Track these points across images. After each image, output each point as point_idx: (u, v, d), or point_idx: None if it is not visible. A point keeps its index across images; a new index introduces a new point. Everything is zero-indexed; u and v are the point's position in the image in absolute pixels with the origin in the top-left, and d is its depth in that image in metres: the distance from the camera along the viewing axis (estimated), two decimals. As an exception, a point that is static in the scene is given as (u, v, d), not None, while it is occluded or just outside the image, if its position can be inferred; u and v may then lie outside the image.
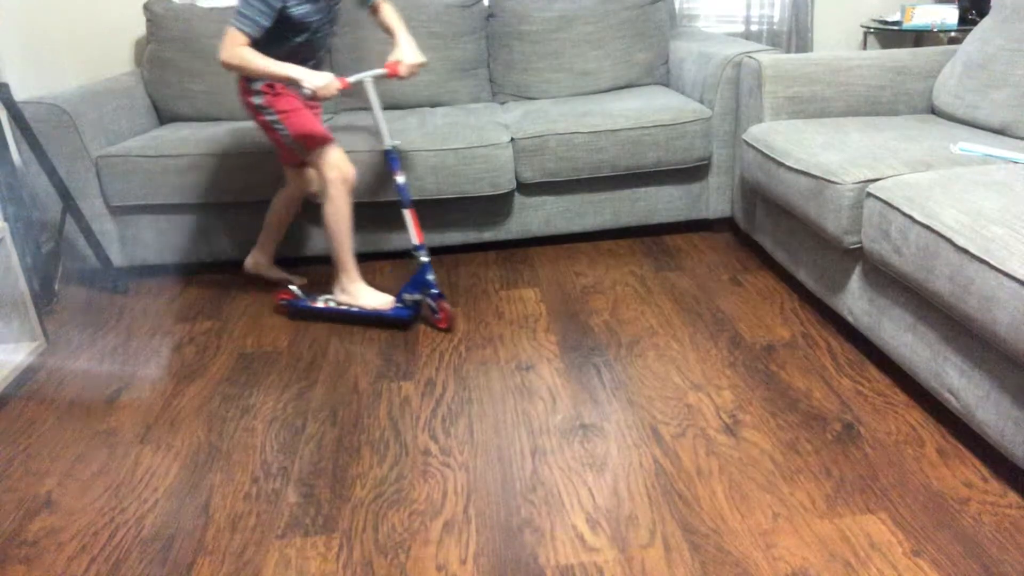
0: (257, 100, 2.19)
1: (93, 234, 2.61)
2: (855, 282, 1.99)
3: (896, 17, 3.48)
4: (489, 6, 3.18)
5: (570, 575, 1.38)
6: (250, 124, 2.90)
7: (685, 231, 2.97)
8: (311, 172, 2.42)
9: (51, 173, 2.50)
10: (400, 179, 2.22)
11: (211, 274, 2.81)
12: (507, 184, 2.68)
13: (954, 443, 1.66)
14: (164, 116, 3.09)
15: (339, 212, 2.23)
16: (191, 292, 2.68)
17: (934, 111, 2.47)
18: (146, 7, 3.05)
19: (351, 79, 2.11)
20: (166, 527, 1.56)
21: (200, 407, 1.98)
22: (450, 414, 1.89)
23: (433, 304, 2.26)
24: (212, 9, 3.06)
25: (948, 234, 1.54)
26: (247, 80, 2.17)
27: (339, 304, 2.34)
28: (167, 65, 3.02)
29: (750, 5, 3.59)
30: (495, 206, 2.76)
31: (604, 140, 2.65)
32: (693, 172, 2.82)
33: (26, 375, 2.17)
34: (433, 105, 3.13)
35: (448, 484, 1.64)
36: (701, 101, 2.81)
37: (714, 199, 2.86)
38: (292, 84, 2.03)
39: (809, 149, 2.10)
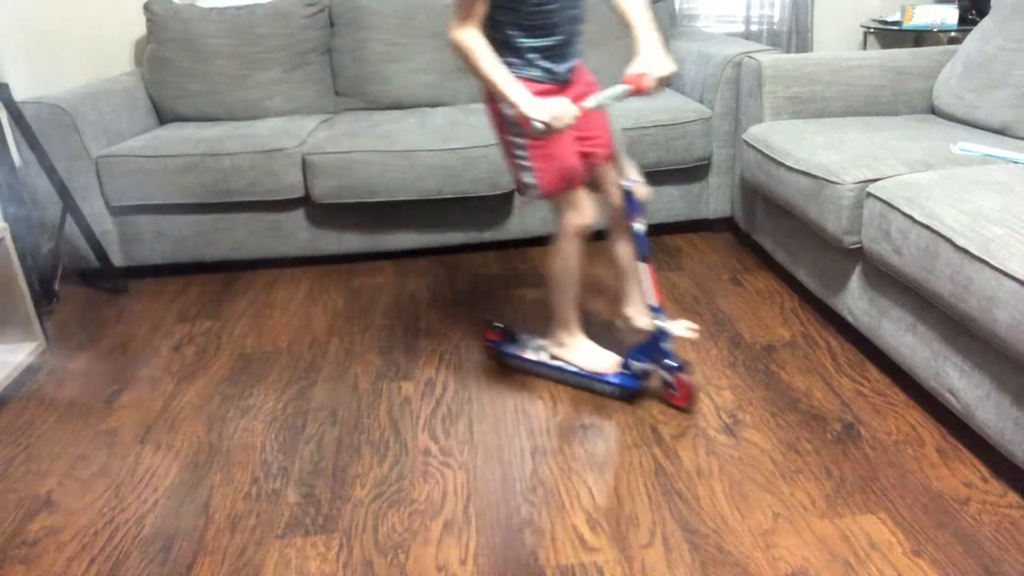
0: (508, 111, 1.69)
1: (93, 234, 2.61)
2: (855, 282, 1.99)
3: (896, 17, 3.48)
4: (489, 6, 3.18)
5: (570, 575, 1.38)
6: (249, 124, 2.90)
7: (685, 231, 2.96)
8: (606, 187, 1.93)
9: (51, 173, 2.50)
10: (639, 226, 1.78)
11: (211, 274, 2.81)
12: (507, 184, 2.68)
13: (954, 443, 1.66)
14: (164, 116, 3.09)
15: (568, 262, 1.87)
16: (191, 292, 2.68)
17: (934, 111, 2.47)
18: (146, 7, 3.05)
19: (590, 103, 1.66)
20: (166, 527, 1.56)
21: (200, 407, 1.98)
22: (450, 414, 1.89)
23: (668, 377, 1.84)
24: (212, 9, 3.06)
25: (948, 234, 1.54)
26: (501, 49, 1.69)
27: (553, 359, 1.98)
28: (167, 65, 3.02)
29: (750, 5, 3.59)
30: (495, 206, 2.76)
31: (604, 140, 2.65)
32: (693, 172, 2.81)
33: (26, 375, 2.17)
34: (433, 105, 3.13)
35: (448, 484, 1.64)
36: (701, 101, 2.81)
37: (714, 199, 2.86)
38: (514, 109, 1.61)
39: (809, 149, 2.10)
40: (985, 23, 2.37)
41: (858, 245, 1.92)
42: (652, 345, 1.83)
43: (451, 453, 1.74)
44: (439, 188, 2.64)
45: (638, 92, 1.68)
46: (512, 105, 1.61)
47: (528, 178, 1.79)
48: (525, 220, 2.79)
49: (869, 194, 1.84)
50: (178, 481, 1.70)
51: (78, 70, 3.16)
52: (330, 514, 1.57)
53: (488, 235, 2.80)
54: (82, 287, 2.76)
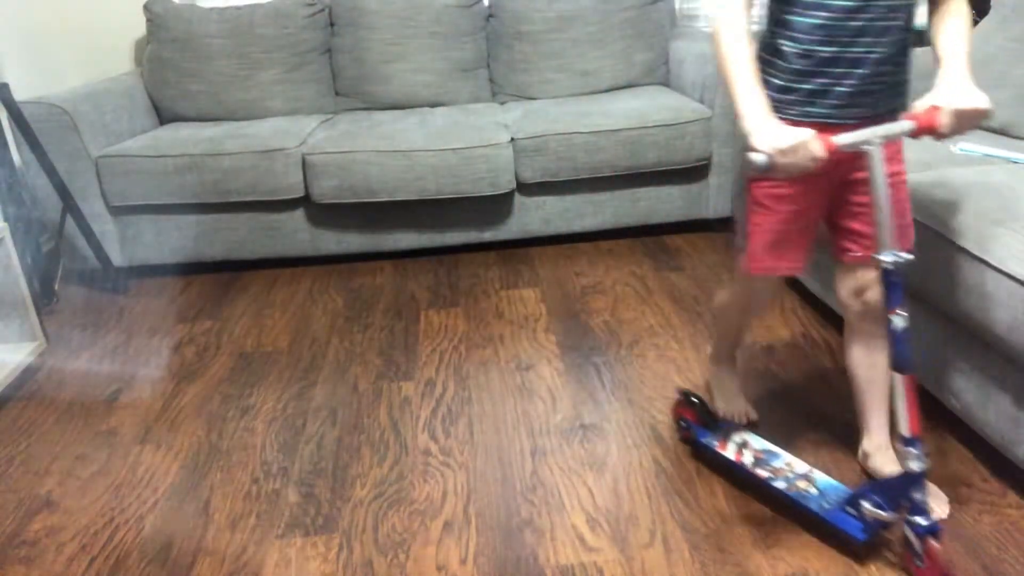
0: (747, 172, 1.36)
1: (93, 234, 2.61)
2: (855, 282, 1.99)
3: (896, 17, 3.47)
4: (489, 6, 3.18)
5: (570, 575, 1.38)
6: (249, 124, 2.90)
7: (685, 231, 2.96)
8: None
9: (51, 173, 2.50)
10: (900, 321, 1.27)
11: (211, 274, 2.81)
12: (507, 184, 2.68)
13: (954, 443, 1.66)
14: (164, 116, 3.09)
15: (726, 317, 1.69)
16: (191, 292, 2.68)
17: (934, 111, 2.47)
18: (146, 7, 3.05)
19: (844, 140, 1.21)
20: (166, 527, 1.56)
21: (200, 407, 1.98)
22: (450, 414, 1.89)
23: (915, 541, 1.30)
24: (212, 9, 3.06)
25: (948, 234, 1.54)
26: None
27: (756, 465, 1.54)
28: (167, 65, 3.02)
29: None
30: (495, 206, 2.76)
31: (604, 140, 2.65)
32: (693, 172, 2.81)
33: (26, 375, 2.17)
34: (433, 105, 3.13)
35: (448, 484, 1.64)
36: (701, 101, 2.81)
37: (714, 199, 2.86)
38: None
39: (809, 149, 2.10)
40: (985, 23, 2.36)
41: (858, 245, 1.91)
42: (898, 488, 1.33)
43: (451, 453, 1.74)
44: (439, 188, 2.64)
45: (928, 131, 1.22)
46: (740, 120, 1.23)
47: (740, 242, 1.46)
48: (525, 220, 2.79)
49: (869, 194, 1.83)
50: (178, 481, 1.70)
51: (78, 70, 3.16)
52: (330, 514, 1.57)
53: (488, 235, 2.80)
54: (82, 287, 2.76)
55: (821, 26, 1.26)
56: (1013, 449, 1.46)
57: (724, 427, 1.65)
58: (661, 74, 3.18)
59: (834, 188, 1.38)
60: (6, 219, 2.36)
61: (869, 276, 1.38)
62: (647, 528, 1.48)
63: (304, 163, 2.62)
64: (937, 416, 1.75)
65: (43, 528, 1.57)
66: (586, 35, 3.09)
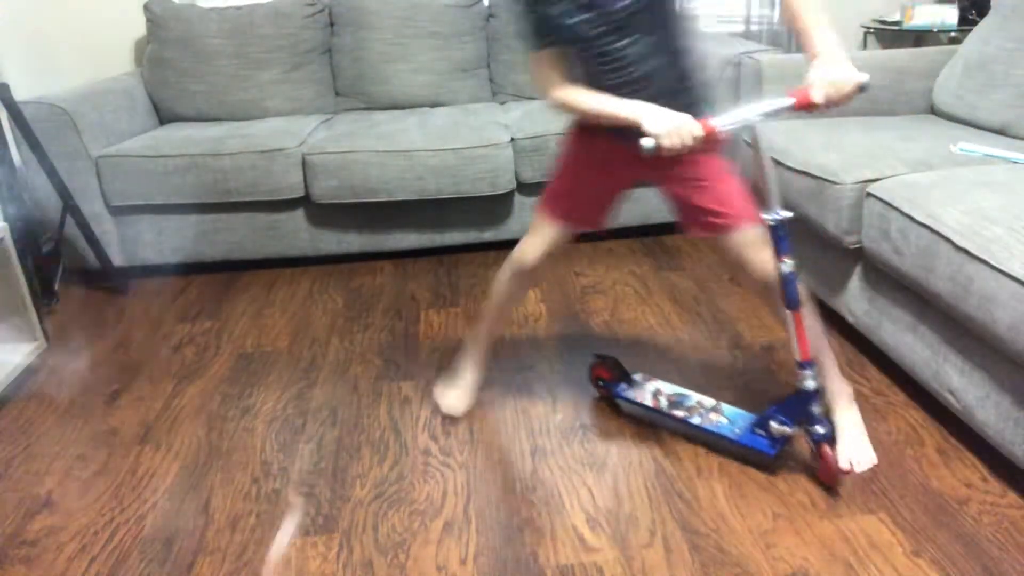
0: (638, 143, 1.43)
1: (93, 234, 2.61)
2: (855, 282, 1.99)
3: (896, 17, 3.48)
4: (489, 6, 3.18)
5: (570, 575, 1.38)
6: (249, 124, 2.90)
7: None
8: (749, 256, 1.56)
9: (51, 173, 2.50)
10: (787, 267, 1.47)
11: (211, 274, 2.81)
12: (507, 184, 2.67)
13: (954, 443, 1.66)
14: (164, 116, 3.09)
15: (498, 289, 1.78)
16: (191, 292, 2.68)
17: (934, 111, 2.47)
18: (146, 7, 3.05)
19: (721, 121, 1.37)
20: (166, 527, 1.56)
21: (200, 407, 1.98)
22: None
23: (813, 447, 1.55)
24: (212, 9, 3.06)
25: (948, 234, 1.54)
26: None
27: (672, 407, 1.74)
28: (167, 65, 3.02)
29: (750, 5, 3.58)
30: (495, 206, 2.76)
31: (604, 140, 2.65)
32: (693, 172, 2.81)
33: (26, 375, 2.17)
34: (433, 105, 3.13)
35: (448, 484, 1.64)
36: (701, 101, 2.81)
37: (714, 199, 2.86)
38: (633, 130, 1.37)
39: (809, 149, 2.10)
40: (985, 23, 2.36)
41: (858, 245, 1.92)
42: (797, 406, 1.53)
43: (451, 453, 1.74)
44: (439, 188, 2.64)
45: (806, 107, 1.35)
46: (633, 125, 1.36)
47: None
48: (525, 220, 2.79)
49: (869, 194, 1.84)
50: (178, 481, 1.70)
51: (78, 70, 3.16)
52: (330, 514, 1.57)
53: (488, 235, 2.80)
54: (82, 287, 2.76)
55: (609, 61, 1.44)
56: (1013, 449, 1.46)
57: (637, 380, 1.82)
58: (661, 74, 3.17)
59: (630, 182, 1.65)
60: (6, 219, 2.36)
61: (743, 247, 1.54)
62: (647, 528, 1.48)
63: (304, 163, 2.62)
64: (937, 416, 1.75)
65: (43, 528, 1.57)
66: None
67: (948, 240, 1.54)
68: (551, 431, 1.80)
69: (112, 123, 2.77)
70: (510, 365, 2.08)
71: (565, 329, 2.26)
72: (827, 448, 1.52)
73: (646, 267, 2.65)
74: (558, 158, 1.65)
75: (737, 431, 1.64)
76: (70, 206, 2.54)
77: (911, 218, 1.66)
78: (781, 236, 1.47)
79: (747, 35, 3.62)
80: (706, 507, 1.52)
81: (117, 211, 2.70)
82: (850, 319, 2.03)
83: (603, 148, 1.55)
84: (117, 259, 2.74)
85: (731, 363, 2.03)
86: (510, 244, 2.88)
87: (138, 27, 3.18)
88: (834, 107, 1.34)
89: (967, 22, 3.26)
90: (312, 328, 2.37)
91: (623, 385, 1.82)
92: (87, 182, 2.63)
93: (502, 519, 1.53)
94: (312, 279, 2.73)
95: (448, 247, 2.85)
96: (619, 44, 1.41)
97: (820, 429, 1.51)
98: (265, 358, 2.20)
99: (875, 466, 1.60)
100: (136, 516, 1.59)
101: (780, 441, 1.57)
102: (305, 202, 2.71)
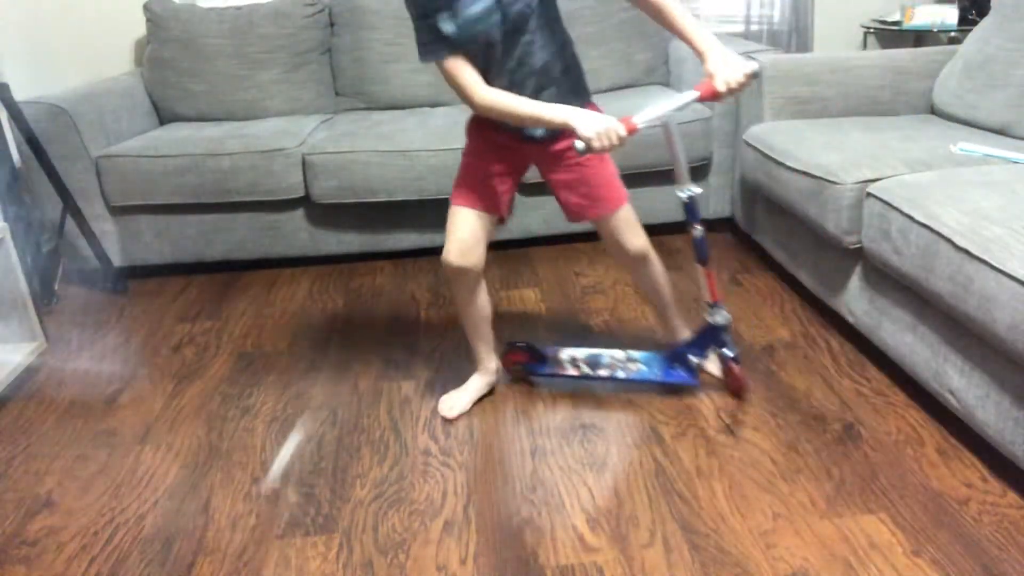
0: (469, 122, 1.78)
1: (93, 234, 2.61)
2: (855, 282, 1.99)
3: (896, 17, 3.48)
4: (489, 6, 3.18)
5: (570, 575, 1.38)
6: (249, 124, 2.90)
7: (685, 231, 2.95)
8: (625, 241, 1.80)
9: (51, 173, 2.50)
10: (698, 232, 1.75)
11: (211, 274, 2.81)
12: (507, 184, 2.67)
13: (954, 443, 1.66)
14: (164, 116, 3.09)
15: (458, 301, 1.84)
16: (191, 292, 2.68)
17: (934, 111, 2.47)
18: (146, 7, 3.05)
19: (641, 119, 1.52)
20: (166, 527, 1.56)
21: (200, 407, 1.98)
22: (450, 414, 1.89)
23: (724, 367, 1.88)
24: (212, 9, 3.06)
25: (948, 234, 1.54)
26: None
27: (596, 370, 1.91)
28: (167, 65, 3.02)
29: (750, 5, 3.58)
30: (495, 206, 2.76)
31: (604, 140, 2.64)
32: (693, 172, 2.79)
33: (26, 375, 2.17)
34: (433, 105, 3.12)
35: (448, 484, 1.64)
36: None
37: (714, 199, 2.86)
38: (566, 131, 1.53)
39: (809, 149, 2.10)
40: (985, 23, 2.36)
41: (858, 245, 1.92)
42: (709, 337, 1.83)
43: (451, 453, 1.74)
44: (439, 188, 2.64)
45: (710, 97, 1.51)
46: (564, 128, 1.50)
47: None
48: (525, 220, 2.79)
49: (869, 194, 1.84)
50: (178, 481, 1.70)
51: (78, 70, 3.16)
52: (330, 514, 1.57)
53: (488, 235, 2.80)
54: (82, 287, 2.76)
55: (493, 64, 1.58)
56: (1013, 449, 1.46)
57: (551, 356, 1.94)
58: (661, 74, 3.18)
59: (524, 168, 1.81)
60: (6, 219, 2.36)
61: (614, 229, 1.77)
62: (647, 528, 1.48)
63: (304, 163, 2.62)
64: (937, 416, 1.75)
65: (43, 528, 1.57)
66: (586, 35, 3.09)
67: (948, 240, 1.54)
68: (551, 431, 1.80)
69: (112, 123, 2.77)
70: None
71: (565, 329, 2.26)
72: (734, 366, 1.82)
73: (646, 267, 2.65)
74: (463, 153, 1.78)
75: (658, 372, 1.88)
76: (70, 206, 2.54)
77: (911, 218, 1.66)
78: (692, 208, 1.74)
79: (747, 35, 3.62)
80: (706, 507, 1.52)
81: (117, 211, 2.70)
82: (850, 319, 2.03)
83: (500, 138, 1.71)
84: (117, 259, 2.74)
85: (731, 363, 2.03)
86: (510, 244, 2.90)
87: (138, 27, 3.18)
88: (735, 94, 1.52)
89: (967, 22, 3.26)
90: (312, 328, 2.37)
91: (540, 365, 1.95)
92: (87, 182, 2.63)
93: (502, 519, 1.53)
94: (312, 279, 2.73)
95: (448, 247, 2.85)
96: (522, 41, 1.55)
97: (730, 352, 1.82)
98: (265, 358, 2.20)
99: (876, 466, 1.60)
100: (136, 516, 1.59)
101: (692, 368, 1.87)
102: (305, 202, 2.71)
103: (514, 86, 1.57)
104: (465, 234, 1.73)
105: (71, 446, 1.85)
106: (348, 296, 2.58)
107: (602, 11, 3.10)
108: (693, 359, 1.86)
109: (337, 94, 3.16)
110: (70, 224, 2.61)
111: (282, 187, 2.64)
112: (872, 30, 3.61)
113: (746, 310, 2.31)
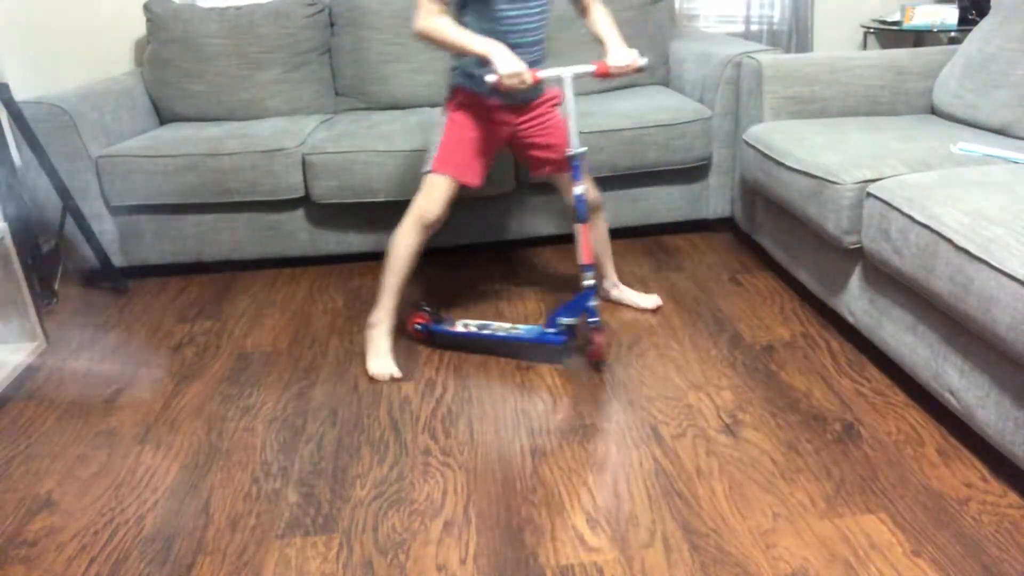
0: (448, 96, 2.03)
1: (93, 234, 2.61)
2: (855, 282, 1.99)
3: (896, 17, 3.48)
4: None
5: (570, 575, 1.38)
6: (249, 124, 2.90)
7: (685, 231, 2.97)
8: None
9: (51, 173, 2.50)
10: (579, 190, 1.95)
11: (211, 274, 2.81)
12: (507, 184, 2.67)
13: (954, 443, 1.66)
14: (164, 116, 3.09)
15: (403, 248, 2.03)
16: (191, 292, 2.68)
17: (934, 111, 2.47)
18: (146, 7, 3.05)
19: (545, 73, 1.89)
20: (166, 527, 1.56)
21: (200, 407, 1.98)
22: (450, 414, 1.89)
23: (588, 334, 2.00)
24: (212, 9, 3.06)
25: (948, 234, 1.54)
26: (452, 70, 2.00)
27: (482, 328, 2.15)
28: (167, 65, 3.02)
29: (750, 5, 3.59)
30: (495, 206, 2.76)
31: (604, 140, 2.65)
32: (693, 172, 2.81)
33: (26, 375, 2.17)
34: (433, 105, 3.12)
35: (448, 484, 1.64)
36: (701, 101, 2.81)
37: (714, 199, 2.86)
38: (484, 64, 1.82)
39: (809, 149, 2.10)
40: (985, 23, 2.37)
41: (858, 245, 1.92)
42: (579, 303, 1.98)
43: (451, 453, 1.74)
44: (439, 188, 2.64)
45: (604, 74, 1.92)
46: (482, 57, 1.80)
47: (432, 151, 2.01)
48: (525, 220, 2.79)
49: (869, 194, 1.84)
50: (178, 481, 1.70)
51: (78, 70, 3.16)
52: (330, 514, 1.57)
53: (488, 235, 2.80)
54: (82, 287, 2.76)
55: (504, 22, 1.88)
56: (1013, 449, 1.46)
57: (449, 319, 2.22)
58: (661, 74, 3.18)
59: (508, 139, 2.08)
60: (6, 219, 2.36)
61: (565, 179, 2.07)
62: (647, 528, 1.48)
63: (304, 163, 2.62)
64: (937, 416, 1.75)
65: (43, 528, 1.57)
66: (586, 35, 3.08)
67: (948, 240, 1.54)
68: (551, 431, 1.80)
69: (112, 123, 2.77)
70: (510, 365, 2.08)
71: (565, 329, 2.26)
72: (597, 333, 1.98)
73: (646, 267, 2.65)
74: (447, 123, 2.00)
75: (533, 335, 2.09)
76: (70, 206, 2.54)
77: (911, 218, 1.66)
78: (576, 166, 1.95)
79: (747, 35, 3.62)
80: (706, 507, 1.52)
81: (117, 211, 2.70)
82: (850, 319, 2.03)
83: (485, 106, 1.98)
84: (117, 259, 2.74)
85: (731, 363, 2.03)
86: (510, 244, 2.91)
87: (138, 27, 3.18)
88: (623, 75, 1.95)
89: (967, 22, 3.26)
90: (312, 328, 2.37)
91: (437, 326, 2.18)
92: (87, 182, 2.63)
93: (502, 519, 1.53)
94: (312, 279, 2.73)
95: (448, 247, 2.85)
96: (513, 16, 1.87)
97: (594, 318, 1.97)
98: (265, 358, 2.20)
99: (876, 466, 1.60)
100: (136, 516, 1.59)
101: (568, 333, 2.04)
102: (305, 202, 2.71)
103: (515, 49, 1.84)
104: (446, 200, 2.00)
105: (71, 446, 1.85)
106: (348, 296, 2.58)
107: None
108: (564, 321, 2.03)
109: (337, 94, 3.16)
110: (70, 224, 2.61)
111: (282, 187, 2.64)
112: (872, 30, 3.61)
113: (746, 310, 2.31)
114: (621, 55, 1.94)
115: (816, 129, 2.26)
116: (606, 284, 2.37)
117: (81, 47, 3.19)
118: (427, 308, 2.20)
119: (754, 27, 3.62)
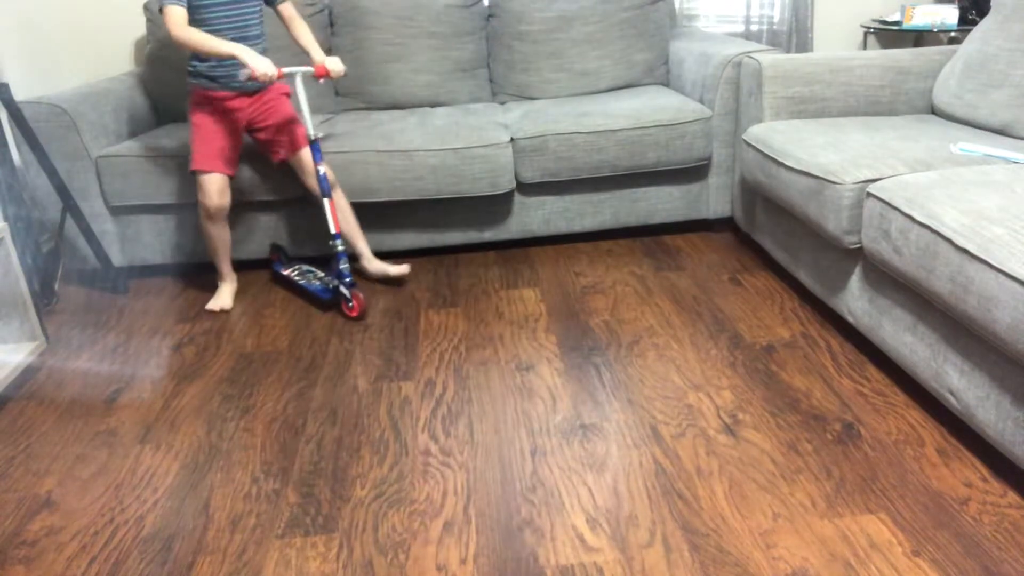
0: (190, 94, 2.38)
1: (93, 234, 2.61)
2: (855, 282, 1.99)
3: (896, 17, 3.48)
4: (489, 6, 3.18)
5: (570, 575, 1.38)
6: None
7: (685, 231, 2.97)
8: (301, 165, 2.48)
9: (51, 173, 2.50)
10: (322, 170, 2.34)
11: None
12: (507, 184, 2.68)
13: (954, 443, 1.66)
14: (164, 116, 3.09)
15: (210, 236, 2.44)
16: (191, 292, 2.68)
17: (934, 111, 2.48)
18: (146, 7, 3.05)
19: (285, 70, 2.26)
20: (166, 527, 1.56)
21: (200, 407, 1.98)
22: (450, 414, 1.89)
23: (347, 293, 2.36)
24: (212, 9, 3.06)
25: (948, 234, 1.54)
26: (189, 75, 2.34)
27: (299, 277, 2.59)
28: (167, 65, 3.02)
29: (750, 5, 3.59)
30: (495, 206, 2.76)
31: (604, 140, 2.65)
32: (693, 172, 2.81)
33: (26, 375, 2.17)
34: (433, 105, 3.13)
35: (448, 484, 1.64)
36: (701, 101, 2.82)
37: (714, 199, 2.86)
38: (237, 64, 2.21)
39: (809, 149, 2.10)
40: (985, 23, 2.37)
41: (858, 245, 1.92)
42: (334, 264, 2.36)
43: (451, 453, 1.74)
44: (439, 188, 2.64)
45: (324, 75, 2.31)
46: (235, 58, 2.16)
47: (190, 166, 2.35)
48: (525, 220, 2.80)
49: (869, 194, 1.84)
50: (178, 481, 1.70)
51: (78, 70, 3.16)
52: (330, 514, 1.57)
53: (488, 235, 2.80)
54: (82, 287, 2.76)
55: (209, 19, 2.26)
56: (1013, 449, 1.47)
57: (294, 264, 2.66)
58: (661, 74, 3.18)
59: (245, 126, 2.42)
60: (6, 219, 2.36)
61: (304, 162, 2.43)
62: (647, 528, 1.48)
63: (304, 163, 2.62)
64: (937, 416, 1.75)
65: (43, 528, 1.57)
66: (586, 35, 3.09)
67: (948, 240, 1.54)
68: (551, 431, 1.80)
69: (112, 123, 2.77)
70: (510, 365, 2.09)
71: (565, 329, 2.26)
72: (357, 291, 2.36)
73: (646, 267, 2.66)
74: (191, 127, 2.35)
75: (312, 287, 2.49)
76: (70, 206, 2.54)
77: (911, 218, 1.66)
78: (316, 149, 2.34)
79: (747, 35, 3.62)
80: (706, 507, 1.52)
81: (117, 211, 2.70)
82: (850, 319, 2.04)
83: (218, 99, 2.34)
84: (117, 259, 2.74)
85: (731, 363, 2.03)
86: (510, 244, 2.91)
87: (138, 27, 3.18)
88: (334, 77, 2.34)
89: (967, 22, 3.26)
90: (312, 328, 2.37)
91: (280, 265, 2.65)
92: (87, 182, 2.64)
93: (502, 519, 1.53)
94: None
95: (448, 247, 2.85)
96: (223, 15, 2.26)
97: (347, 279, 2.36)
98: (265, 358, 2.21)
99: (876, 466, 1.60)
100: (136, 516, 1.59)
101: (330, 290, 2.44)
102: (305, 202, 2.71)
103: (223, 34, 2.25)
104: (217, 191, 2.34)
105: (71, 446, 1.85)
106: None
107: (602, 11, 3.10)
108: (325, 279, 2.53)
109: (337, 94, 3.16)
110: (70, 224, 2.61)
111: (282, 187, 2.63)
112: (872, 30, 3.61)
113: (746, 310, 2.31)
114: (330, 62, 2.33)
115: (816, 129, 2.26)
116: (363, 262, 2.60)
117: (81, 47, 3.19)
118: (280, 247, 2.69)
119: (754, 27, 3.62)
